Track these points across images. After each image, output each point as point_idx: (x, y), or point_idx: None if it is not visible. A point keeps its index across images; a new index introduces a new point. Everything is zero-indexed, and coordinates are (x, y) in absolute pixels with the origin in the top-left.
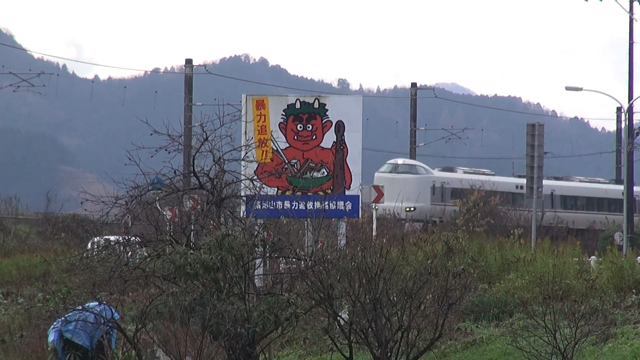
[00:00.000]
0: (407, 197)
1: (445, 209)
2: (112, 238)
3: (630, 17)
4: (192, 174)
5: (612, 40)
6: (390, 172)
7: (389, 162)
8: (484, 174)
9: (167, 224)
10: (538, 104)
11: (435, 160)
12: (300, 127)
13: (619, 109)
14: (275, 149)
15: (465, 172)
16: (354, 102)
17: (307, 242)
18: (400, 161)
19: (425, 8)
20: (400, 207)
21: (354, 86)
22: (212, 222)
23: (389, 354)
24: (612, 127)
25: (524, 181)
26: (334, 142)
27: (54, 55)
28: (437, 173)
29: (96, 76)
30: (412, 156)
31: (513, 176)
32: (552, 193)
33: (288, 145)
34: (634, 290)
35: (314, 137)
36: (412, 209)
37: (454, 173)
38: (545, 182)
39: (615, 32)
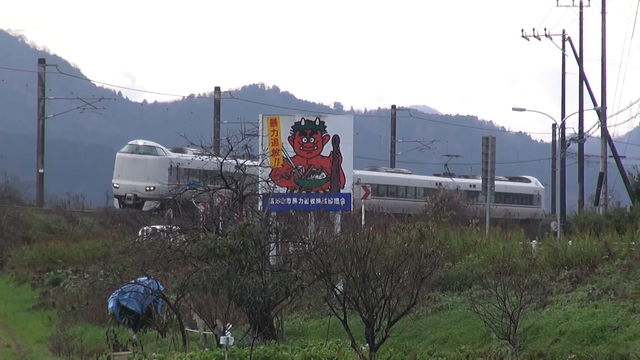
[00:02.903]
0: (147, 177)
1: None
2: (158, 227)
3: (562, 53)
4: (220, 177)
5: (548, 70)
6: (132, 152)
7: (130, 142)
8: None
9: (201, 216)
10: (491, 121)
11: (410, 166)
12: (305, 140)
13: (554, 125)
14: (285, 157)
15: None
16: (346, 120)
17: (310, 229)
18: (141, 142)
19: (402, 47)
20: (140, 186)
21: (347, 107)
22: (236, 214)
23: (374, 317)
24: (549, 139)
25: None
26: (331, 151)
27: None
28: (173, 154)
29: (145, 100)
30: (392, 163)
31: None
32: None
33: (295, 154)
34: (566, 267)
35: (316, 147)
36: (151, 188)
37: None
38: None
39: (551, 64)
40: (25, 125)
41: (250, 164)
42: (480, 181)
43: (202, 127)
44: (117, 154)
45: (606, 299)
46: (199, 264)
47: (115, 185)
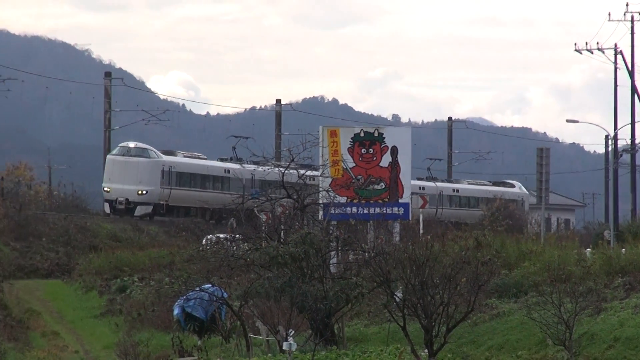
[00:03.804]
0: (140, 180)
1: (171, 193)
2: (221, 236)
3: (615, 66)
4: (282, 187)
5: (600, 82)
6: (123, 155)
7: (121, 144)
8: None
9: (263, 225)
10: (545, 132)
11: (466, 176)
12: (364, 150)
13: (607, 137)
14: (345, 167)
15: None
16: (404, 132)
17: (370, 238)
18: (132, 144)
19: (458, 61)
20: (132, 190)
21: (404, 119)
22: (297, 223)
23: (433, 324)
24: (601, 150)
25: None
26: (389, 162)
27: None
28: (165, 157)
29: (207, 113)
30: (449, 174)
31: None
32: (252, 178)
33: (354, 164)
34: (619, 275)
35: (375, 158)
36: (144, 192)
37: (177, 157)
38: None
39: (603, 76)
40: (92, 137)
41: (311, 174)
42: (463, 186)
43: (263, 139)
44: (108, 156)
45: None
46: (262, 271)
47: (105, 189)
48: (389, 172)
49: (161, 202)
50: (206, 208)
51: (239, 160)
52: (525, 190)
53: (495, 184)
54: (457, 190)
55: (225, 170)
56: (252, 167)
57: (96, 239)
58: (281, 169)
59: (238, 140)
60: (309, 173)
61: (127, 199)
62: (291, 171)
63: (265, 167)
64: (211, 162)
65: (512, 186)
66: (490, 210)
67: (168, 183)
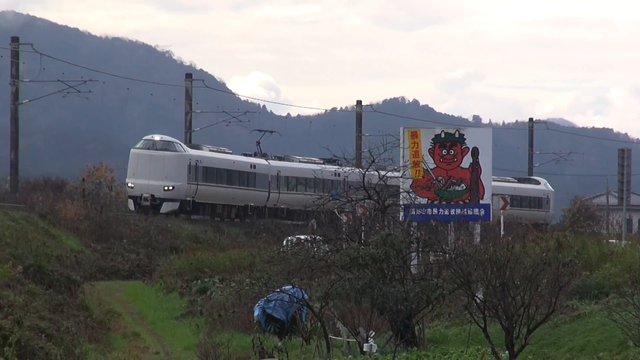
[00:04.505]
0: (166, 175)
1: (198, 189)
2: (302, 237)
3: None
4: (363, 188)
5: None
6: (148, 148)
7: (145, 137)
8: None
9: (344, 226)
10: (626, 133)
11: (547, 177)
12: (445, 152)
13: None
14: (426, 168)
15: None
16: (485, 133)
17: (450, 239)
18: (157, 137)
19: (538, 62)
20: (158, 185)
21: (485, 120)
22: (378, 224)
23: (514, 325)
24: None
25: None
26: (470, 163)
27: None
28: (192, 151)
29: (288, 114)
30: (530, 174)
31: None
32: (278, 174)
33: (435, 165)
34: None
35: (455, 159)
36: (170, 188)
37: (203, 151)
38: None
39: None
40: (173, 138)
41: (392, 175)
42: None
43: (344, 140)
44: (132, 150)
45: None
46: (342, 273)
47: (129, 185)
48: (470, 173)
49: (187, 199)
50: (232, 205)
51: (263, 155)
52: (550, 187)
53: (520, 180)
54: None
55: (251, 165)
56: (277, 163)
57: (177, 240)
58: (361, 170)
59: (262, 134)
60: (389, 174)
61: (152, 195)
62: (372, 172)
63: (347, 169)
64: (237, 156)
65: (538, 183)
66: (572, 212)
67: (195, 178)
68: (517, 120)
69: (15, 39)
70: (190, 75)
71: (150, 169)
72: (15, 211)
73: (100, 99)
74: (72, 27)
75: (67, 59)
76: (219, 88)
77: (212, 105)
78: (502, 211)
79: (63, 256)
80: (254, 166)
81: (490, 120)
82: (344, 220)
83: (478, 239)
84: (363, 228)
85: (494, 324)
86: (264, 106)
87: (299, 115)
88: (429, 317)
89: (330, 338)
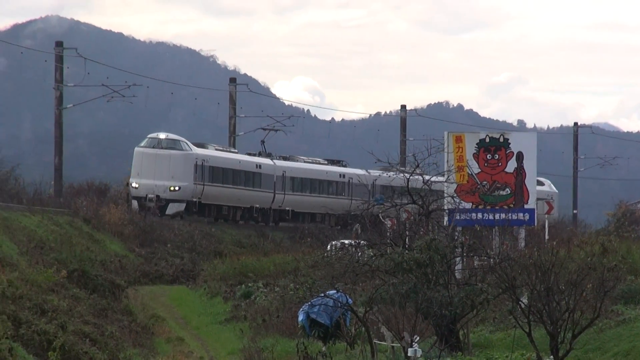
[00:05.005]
0: (172, 175)
1: (204, 189)
2: (346, 242)
3: None
4: (407, 192)
5: None
6: (153, 147)
7: (150, 136)
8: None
9: (388, 231)
10: None
11: (593, 182)
12: (489, 156)
13: None
14: (470, 173)
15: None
16: (530, 138)
17: (495, 244)
18: (162, 135)
19: (583, 66)
20: (163, 186)
21: (529, 125)
22: (422, 229)
23: (559, 330)
24: None
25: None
26: (515, 168)
27: (301, 103)
28: (198, 150)
29: (332, 118)
30: (575, 179)
31: None
32: (283, 174)
33: (480, 170)
34: None
35: (500, 164)
36: (176, 188)
37: (209, 150)
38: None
39: None
40: (216, 143)
41: (436, 180)
42: None
43: (388, 144)
44: (136, 149)
45: None
46: (387, 277)
47: (133, 185)
48: (514, 178)
49: (194, 200)
50: (237, 207)
51: (268, 155)
52: (554, 189)
53: None
54: None
55: (256, 165)
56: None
57: (221, 244)
58: (406, 174)
59: (267, 133)
60: (434, 179)
61: (157, 196)
62: (417, 177)
63: (391, 173)
64: (243, 156)
65: (542, 184)
66: (617, 216)
67: (201, 178)
68: (561, 125)
69: (59, 44)
70: (234, 79)
71: (156, 169)
72: (60, 216)
73: (144, 103)
74: (116, 31)
75: (111, 63)
76: (263, 92)
77: (256, 109)
78: (546, 216)
79: (107, 261)
80: (260, 166)
81: (534, 124)
82: (389, 225)
83: (522, 244)
84: (407, 233)
85: (538, 328)
86: (308, 111)
87: (343, 119)
88: (474, 322)
89: (375, 343)
